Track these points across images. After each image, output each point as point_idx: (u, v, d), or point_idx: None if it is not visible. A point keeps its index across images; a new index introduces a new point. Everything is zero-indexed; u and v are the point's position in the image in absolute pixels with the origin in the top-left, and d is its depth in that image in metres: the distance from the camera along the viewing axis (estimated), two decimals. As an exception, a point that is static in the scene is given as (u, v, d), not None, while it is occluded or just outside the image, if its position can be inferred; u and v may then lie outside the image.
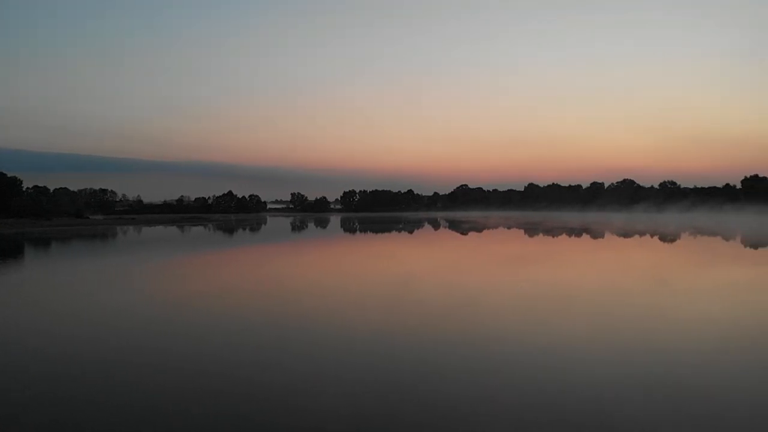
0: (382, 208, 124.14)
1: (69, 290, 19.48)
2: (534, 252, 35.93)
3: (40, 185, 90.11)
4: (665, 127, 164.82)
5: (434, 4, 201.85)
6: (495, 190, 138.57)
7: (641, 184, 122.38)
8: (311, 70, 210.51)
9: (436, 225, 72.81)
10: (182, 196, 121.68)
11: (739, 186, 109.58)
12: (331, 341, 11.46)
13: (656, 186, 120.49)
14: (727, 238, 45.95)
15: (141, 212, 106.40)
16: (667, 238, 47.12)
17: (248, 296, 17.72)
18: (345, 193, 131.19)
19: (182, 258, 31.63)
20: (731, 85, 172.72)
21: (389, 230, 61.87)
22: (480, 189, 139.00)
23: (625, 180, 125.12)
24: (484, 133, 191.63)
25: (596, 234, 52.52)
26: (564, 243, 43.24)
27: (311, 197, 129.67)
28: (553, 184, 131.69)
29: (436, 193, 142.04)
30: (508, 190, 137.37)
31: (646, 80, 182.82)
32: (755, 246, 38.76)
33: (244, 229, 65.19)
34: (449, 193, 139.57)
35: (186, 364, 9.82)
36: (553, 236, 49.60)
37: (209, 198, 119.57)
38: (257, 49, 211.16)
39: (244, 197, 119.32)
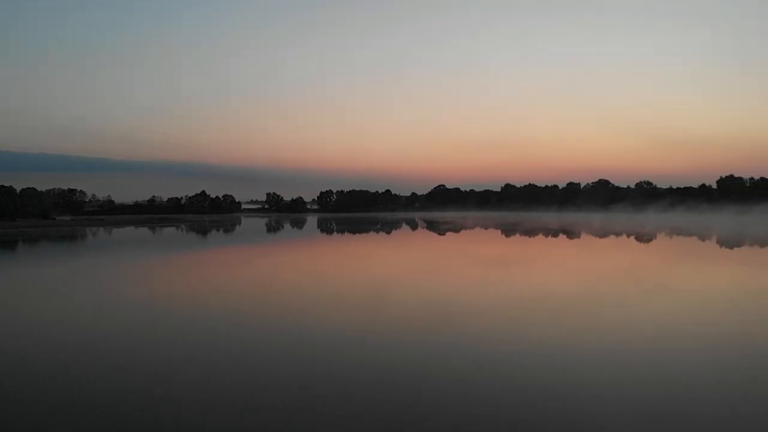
0: (359, 208, 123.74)
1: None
2: (513, 254, 36.01)
3: (6, 185, 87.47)
4: (638, 129, 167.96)
5: (410, 5, 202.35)
6: (472, 191, 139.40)
7: (618, 185, 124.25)
8: (288, 70, 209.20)
9: (413, 225, 72.76)
10: (154, 196, 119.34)
11: (714, 186, 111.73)
12: (308, 343, 11.34)
13: (632, 186, 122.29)
14: (704, 238, 46.81)
15: (111, 213, 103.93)
16: (648, 238, 47.81)
17: (218, 302, 17.25)
18: (322, 193, 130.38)
19: (148, 262, 30.85)
20: (702, 87, 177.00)
21: (367, 231, 61.56)
22: (457, 189, 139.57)
23: (600, 180, 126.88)
24: (460, 133, 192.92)
25: (576, 235, 53.02)
26: (544, 244, 43.50)
27: (287, 197, 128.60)
28: (529, 184, 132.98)
29: (414, 193, 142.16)
30: (485, 191, 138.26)
31: (618, 82, 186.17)
32: (733, 246, 39.52)
33: (218, 229, 64.15)
34: (427, 194, 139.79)
35: (150, 368, 9.58)
36: (531, 236, 49.93)
37: (182, 198, 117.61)
38: (232, 49, 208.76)
39: (217, 197, 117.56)
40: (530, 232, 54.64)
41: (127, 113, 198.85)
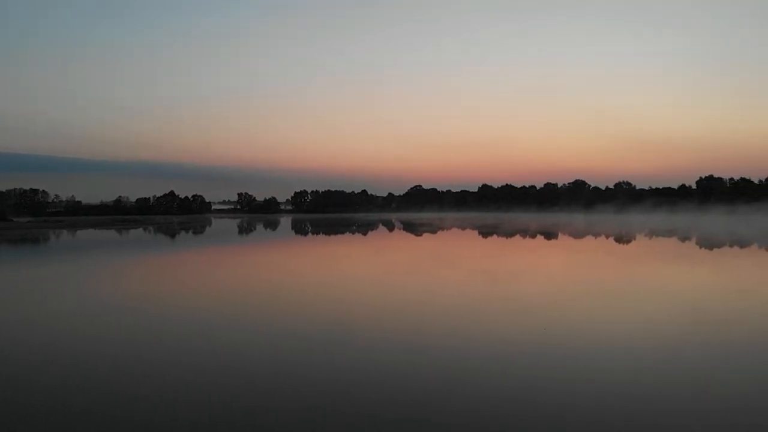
0: (335, 208, 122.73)
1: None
2: (495, 258, 35.79)
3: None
4: (613, 130, 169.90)
5: (388, 7, 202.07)
6: (449, 191, 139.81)
7: (598, 186, 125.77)
8: (262, 70, 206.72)
9: (390, 227, 72.32)
10: (120, 196, 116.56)
11: (694, 186, 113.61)
12: (283, 345, 10.95)
13: (611, 187, 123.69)
14: (695, 239, 47.34)
15: (76, 214, 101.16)
16: (638, 239, 48.16)
17: (176, 309, 16.47)
18: (296, 193, 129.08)
19: (105, 268, 29.75)
20: (678, 89, 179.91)
21: (342, 232, 60.86)
22: (434, 189, 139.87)
23: (576, 181, 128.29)
24: (436, 134, 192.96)
25: (561, 237, 53.16)
26: (528, 247, 43.41)
27: (260, 198, 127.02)
28: (506, 185, 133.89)
29: (390, 194, 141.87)
30: (462, 191, 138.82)
31: (593, 84, 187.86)
32: (717, 246, 39.98)
33: (187, 231, 62.71)
34: (404, 194, 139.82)
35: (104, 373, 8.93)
36: (509, 238, 49.91)
37: (151, 199, 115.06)
38: (205, 49, 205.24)
39: (187, 198, 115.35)
40: (510, 234, 54.65)
41: (95, 112, 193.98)
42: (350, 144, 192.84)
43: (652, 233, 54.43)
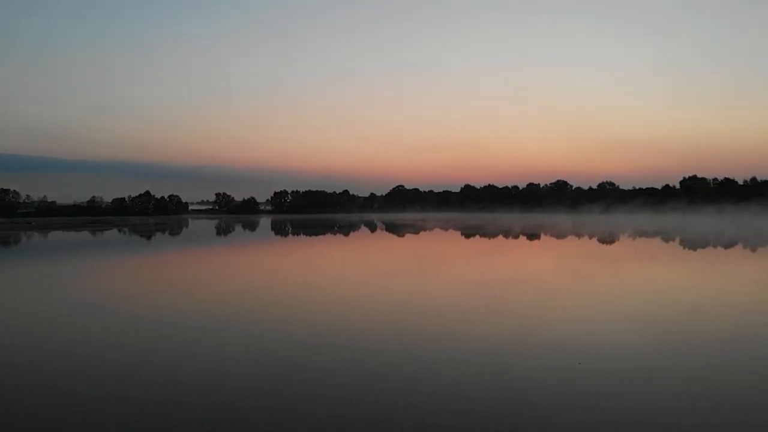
0: (316, 209, 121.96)
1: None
2: (484, 262, 35.73)
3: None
4: (593, 131, 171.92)
5: (367, 7, 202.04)
6: (431, 191, 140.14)
7: (581, 186, 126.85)
8: (241, 69, 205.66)
9: (373, 227, 72.08)
10: (94, 196, 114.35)
11: (678, 187, 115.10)
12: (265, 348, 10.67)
13: (595, 187, 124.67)
14: (682, 240, 47.87)
15: (49, 215, 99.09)
16: (635, 241, 48.55)
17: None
18: (276, 193, 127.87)
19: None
20: (657, 90, 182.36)
21: (323, 233, 60.46)
22: (416, 190, 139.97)
23: (558, 181, 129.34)
24: (418, 134, 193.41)
25: (557, 240, 53.37)
26: (517, 250, 43.46)
27: (239, 198, 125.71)
28: (489, 185, 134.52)
29: (372, 194, 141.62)
30: (445, 191, 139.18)
31: (573, 85, 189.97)
32: (699, 247, 40.45)
33: (163, 232, 61.73)
34: (386, 194, 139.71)
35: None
36: (490, 238, 50.00)
37: (127, 199, 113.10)
38: (184, 48, 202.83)
39: (163, 198, 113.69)
40: (493, 234, 54.76)
41: (69, 111, 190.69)
42: (332, 144, 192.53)
43: (644, 234, 54.96)
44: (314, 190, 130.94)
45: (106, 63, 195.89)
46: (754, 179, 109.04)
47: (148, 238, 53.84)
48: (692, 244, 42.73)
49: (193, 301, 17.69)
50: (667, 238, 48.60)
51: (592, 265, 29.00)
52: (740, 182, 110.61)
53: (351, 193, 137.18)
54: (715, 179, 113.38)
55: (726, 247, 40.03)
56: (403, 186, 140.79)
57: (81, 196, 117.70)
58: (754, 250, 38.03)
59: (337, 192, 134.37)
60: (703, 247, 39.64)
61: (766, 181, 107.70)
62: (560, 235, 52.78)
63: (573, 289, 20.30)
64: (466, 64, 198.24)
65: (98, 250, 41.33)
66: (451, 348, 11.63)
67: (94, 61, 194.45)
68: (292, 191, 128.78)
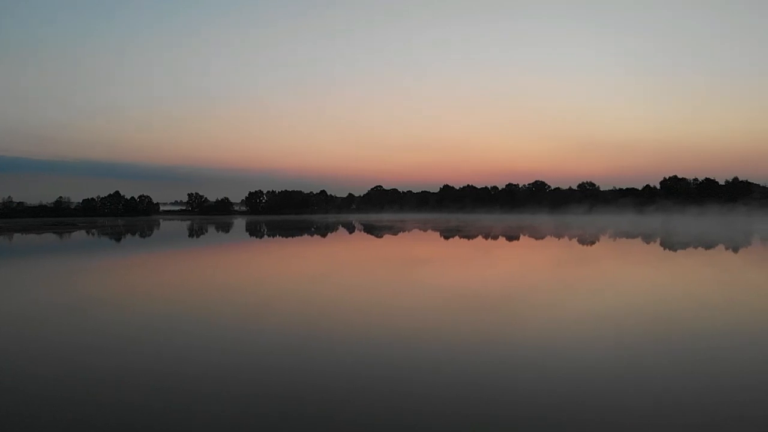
0: (292, 209, 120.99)
1: None
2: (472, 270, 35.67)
3: None
4: (571, 132, 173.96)
5: (342, 8, 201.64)
6: (410, 191, 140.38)
7: (560, 187, 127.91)
8: (215, 69, 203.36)
9: (351, 229, 71.74)
10: (61, 197, 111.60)
11: (658, 187, 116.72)
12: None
13: (575, 188, 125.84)
14: (668, 240, 48.47)
15: (12, 216, 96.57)
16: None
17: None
18: (251, 193, 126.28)
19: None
20: (636, 92, 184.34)
21: (300, 235, 59.94)
22: (395, 190, 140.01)
23: (536, 181, 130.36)
24: (396, 134, 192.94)
25: (545, 243, 53.60)
26: (507, 252, 43.53)
27: (212, 198, 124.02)
28: (468, 185, 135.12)
29: (350, 194, 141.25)
30: (423, 192, 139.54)
31: (549, 86, 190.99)
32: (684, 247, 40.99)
33: (133, 234, 60.49)
34: (364, 195, 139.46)
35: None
36: (470, 239, 50.10)
37: (96, 199, 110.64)
38: (156, 46, 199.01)
39: (133, 198, 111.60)
40: (475, 236, 54.88)
41: (35, 109, 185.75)
42: (308, 143, 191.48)
43: (628, 235, 55.58)
44: (290, 190, 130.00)
45: (78, 63, 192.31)
46: (736, 179, 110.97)
47: (118, 240, 52.70)
48: (678, 245, 43.33)
49: (155, 311, 17.22)
50: (660, 240, 49.24)
51: (577, 266, 29.14)
52: (721, 182, 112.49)
53: (328, 193, 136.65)
54: (695, 179, 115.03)
55: (725, 248, 40.67)
56: (381, 186, 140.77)
57: (50, 197, 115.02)
58: (736, 250, 38.73)
59: (315, 192, 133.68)
60: (690, 248, 40.23)
61: (747, 182, 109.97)
62: (540, 237, 53.13)
63: (556, 290, 20.32)
64: (444, 65, 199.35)
65: (44, 255, 40.27)
66: (434, 349, 11.61)
67: (65, 61, 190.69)
68: (268, 191, 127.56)
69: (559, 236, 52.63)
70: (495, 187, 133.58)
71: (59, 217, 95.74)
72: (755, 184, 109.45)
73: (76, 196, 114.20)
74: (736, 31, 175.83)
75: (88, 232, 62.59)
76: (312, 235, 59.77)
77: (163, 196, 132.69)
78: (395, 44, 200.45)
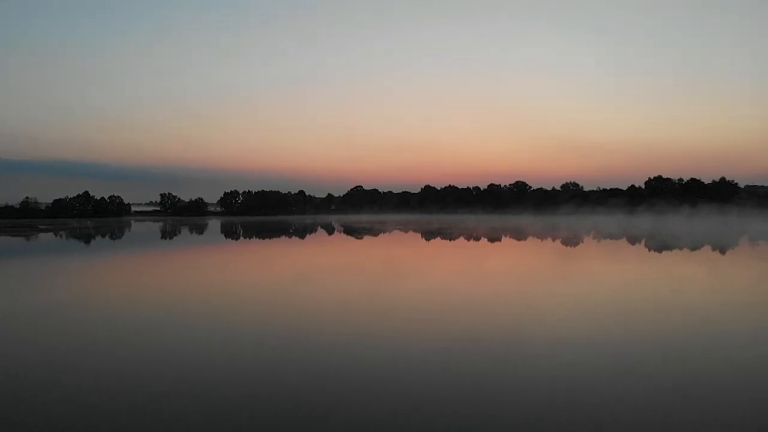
0: (270, 210, 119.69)
1: None
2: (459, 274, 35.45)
3: None
4: (553, 133, 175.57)
5: (319, 7, 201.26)
6: (390, 192, 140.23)
7: (543, 187, 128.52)
8: (191, 69, 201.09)
9: (330, 231, 71.19)
10: (27, 197, 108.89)
11: (643, 187, 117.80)
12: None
13: (558, 188, 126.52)
14: (661, 241, 48.76)
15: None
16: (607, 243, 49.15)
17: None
18: (226, 194, 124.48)
19: None
20: (618, 93, 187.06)
21: (278, 236, 59.21)
22: (375, 191, 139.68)
23: (517, 182, 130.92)
24: (376, 135, 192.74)
25: (535, 246, 53.62)
26: (499, 254, 43.42)
27: (186, 199, 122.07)
28: (449, 186, 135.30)
29: (330, 195, 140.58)
30: (404, 192, 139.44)
31: (531, 87, 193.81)
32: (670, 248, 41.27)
33: (103, 236, 59.16)
34: (344, 195, 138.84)
35: None
36: (452, 240, 49.98)
37: (65, 200, 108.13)
38: (134, 45, 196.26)
39: (103, 198, 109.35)
40: (459, 239, 54.77)
41: (11, 110, 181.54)
42: (287, 143, 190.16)
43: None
44: (268, 190, 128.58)
45: (51, 63, 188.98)
46: (723, 179, 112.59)
47: (87, 242, 51.45)
48: (667, 246, 43.66)
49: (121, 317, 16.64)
50: (658, 243, 49.57)
51: (577, 268, 29.11)
52: (707, 182, 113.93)
53: (307, 193, 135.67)
54: (680, 180, 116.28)
55: (722, 250, 41.05)
56: (361, 186, 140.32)
57: (11, 197, 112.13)
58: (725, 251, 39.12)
59: (293, 192, 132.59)
60: (679, 249, 40.55)
61: (734, 182, 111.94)
62: (540, 239, 53.20)
63: (543, 292, 20.19)
64: (424, 66, 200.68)
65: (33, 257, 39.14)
66: (422, 350, 11.73)
67: (38, 61, 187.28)
68: (244, 192, 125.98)
69: (553, 239, 52.78)
70: (477, 188, 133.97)
71: (26, 219, 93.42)
72: (737, 185, 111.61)
73: (48, 197, 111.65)
74: (711, 30, 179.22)
75: (60, 234, 61.11)
76: (290, 236, 59.10)
77: (136, 196, 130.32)
78: (376, 45, 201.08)
